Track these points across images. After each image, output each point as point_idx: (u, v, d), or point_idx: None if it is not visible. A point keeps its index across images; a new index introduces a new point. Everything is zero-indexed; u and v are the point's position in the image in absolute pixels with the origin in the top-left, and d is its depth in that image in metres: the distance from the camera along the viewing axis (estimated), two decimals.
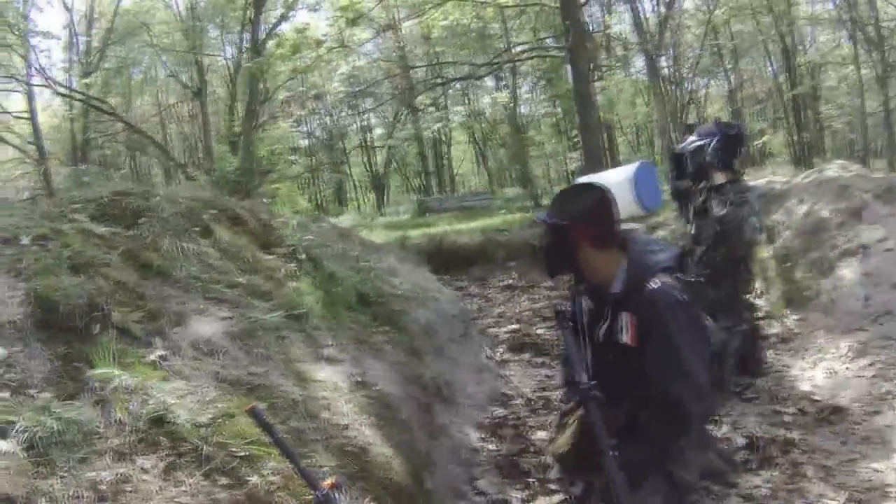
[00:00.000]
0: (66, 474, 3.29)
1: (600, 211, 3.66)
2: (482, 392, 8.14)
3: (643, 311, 3.48)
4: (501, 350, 10.14)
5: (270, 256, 6.89)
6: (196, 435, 3.75)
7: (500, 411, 7.82)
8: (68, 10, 32.22)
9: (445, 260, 15.24)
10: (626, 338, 3.52)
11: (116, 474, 3.36)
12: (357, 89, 32.68)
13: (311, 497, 2.84)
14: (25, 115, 32.38)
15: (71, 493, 3.17)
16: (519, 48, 30.05)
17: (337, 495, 2.73)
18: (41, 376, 3.94)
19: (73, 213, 5.85)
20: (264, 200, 13.35)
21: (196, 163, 34.13)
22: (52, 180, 27.11)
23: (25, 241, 5.09)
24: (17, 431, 3.40)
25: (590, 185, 4.05)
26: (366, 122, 43.06)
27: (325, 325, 5.95)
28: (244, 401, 4.07)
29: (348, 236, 9.72)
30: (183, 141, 41.67)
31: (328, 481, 2.77)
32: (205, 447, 3.67)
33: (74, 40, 32.91)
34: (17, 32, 27.90)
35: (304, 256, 7.11)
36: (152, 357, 4.40)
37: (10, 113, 33.10)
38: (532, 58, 29.49)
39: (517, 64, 31.43)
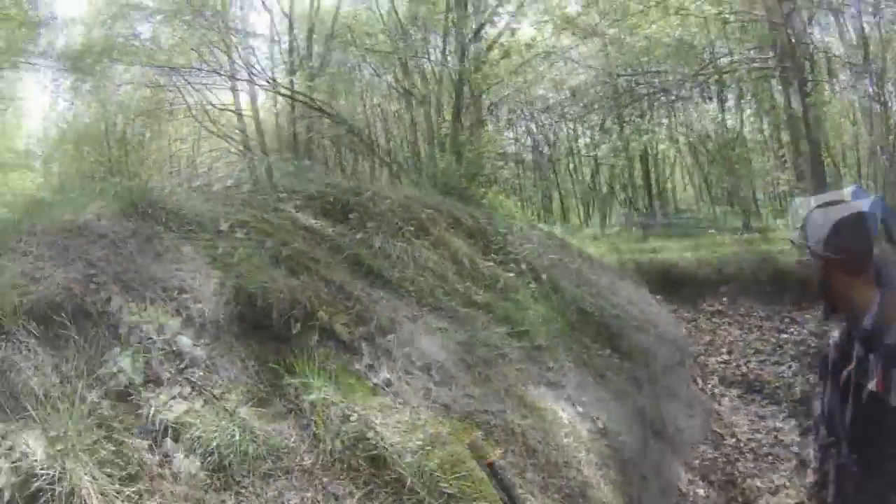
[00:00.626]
0: (244, 490, 2.85)
1: (854, 231, 3.16)
2: (693, 428, 7.33)
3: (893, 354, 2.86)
4: (712, 383, 9.21)
5: (489, 263, 6.28)
6: (401, 463, 3.16)
7: (710, 452, 6.97)
8: (268, 10, 33.38)
9: (659, 279, 14.32)
10: (872, 383, 2.94)
11: (303, 498, 2.89)
12: (564, 97, 32.14)
13: None
14: (231, 108, 33.74)
15: None
16: (725, 59, 28.65)
17: None
18: (230, 376, 3.47)
19: (279, 202, 5.41)
20: (483, 202, 12.92)
21: (403, 162, 34.76)
22: (256, 170, 28.05)
23: (224, 227, 4.67)
24: (194, 436, 2.97)
25: (842, 203, 3.36)
26: (573, 131, 42.42)
27: (546, 342, 5.26)
28: (459, 426, 3.50)
29: (566, 247, 9.00)
30: (388, 140, 42.58)
31: None
32: (410, 478, 3.09)
33: (276, 39, 34.13)
34: (217, 29, 29.09)
35: (524, 266, 6.44)
36: (359, 367, 3.86)
37: (214, 105, 34.50)
38: (741, 72, 28.05)
39: (725, 76, 29.96)
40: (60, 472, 2.60)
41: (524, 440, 3.79)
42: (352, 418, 3.31)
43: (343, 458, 3.14)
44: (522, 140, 40.73)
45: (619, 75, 31.67)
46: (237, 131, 34.31)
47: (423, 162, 25.84)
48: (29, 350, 3.30)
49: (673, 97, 33.92)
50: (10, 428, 2.92)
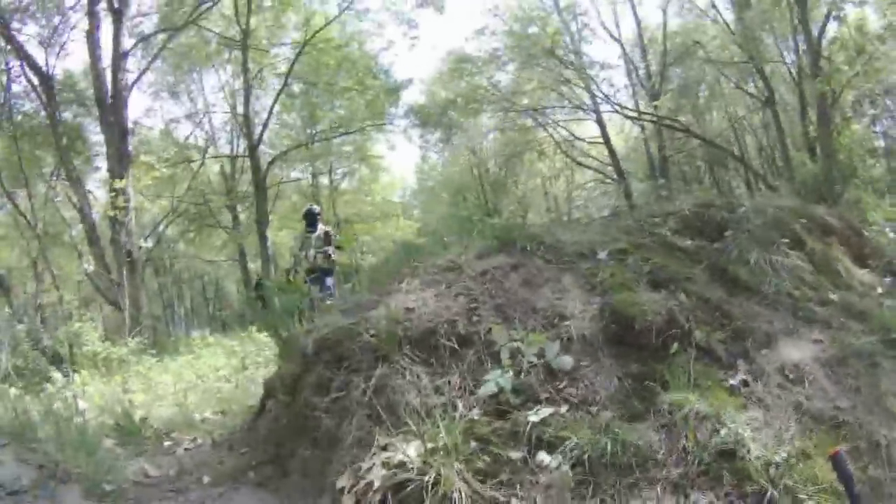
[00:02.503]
0: (608, 498, 3.04)
1: None
2: None
3: None
4: None
5: (864, 270, 6.02)
6: (764, 475, 3.19)
7: None
8: (616, 39, 33.70)
9: None
10: None
11: None
12: None
13: None
14: (599, 140, 34.50)
15: None
16: None
17: None
18: (606, 393, 3.72)
19: (653, 227, 5.56)
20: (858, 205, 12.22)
21: (775, 172, 33.40)
22: (632, 197, 28.47)
23: (602, 255, 4.94)
24: (567, 448, 3.21)
25: None
26: None
27: None
28: (825, 439, 3.46)
29: None
30: (759, 151, 40.99)
31: None
32: (771, 490, 3.13)
33: (631, 67, 34.34)
34: (571, 67, 29.91)
35: None
36: (732, 381, 3.92)
37: (584, 139, 35.46)
38: None
39: None
40: (435, 478, 2.96)
41: (888, 454, 3.62)
42: (721, 432, 3.38)
43: (709, 471, 3.23)
44: (892, 133, 37.31)
45: None
46: (597, 161, 35.20)
47: (795, 168, 24.73)
48: (410, 373, 3.79)
49: None
50: (391, 440, 3.37)
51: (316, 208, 12.49)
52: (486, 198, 43.76)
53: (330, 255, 11.31)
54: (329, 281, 11.09)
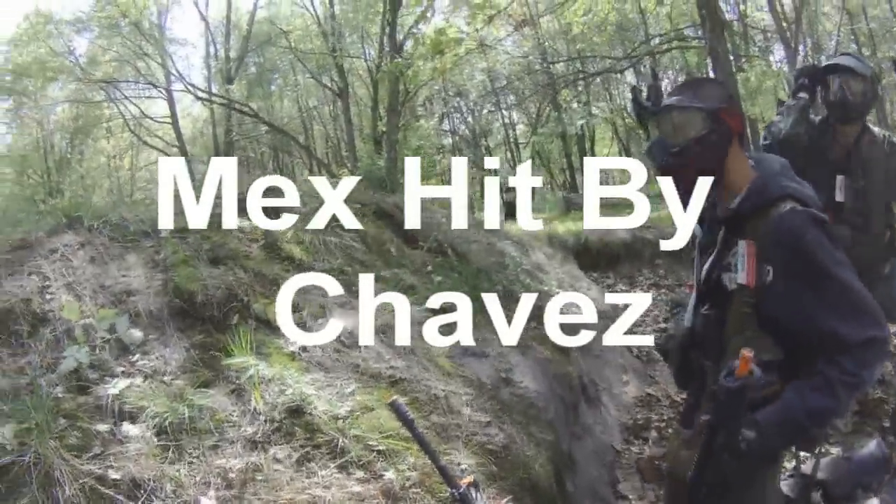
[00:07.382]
0: (194, 461, 3.22)
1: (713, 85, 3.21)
2: (627, 393, 7.76)
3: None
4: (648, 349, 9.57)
5: (416, 251, 6.76)
6: (333, 427, 3.60)
7: (644, 413, 7.40)
8: (204, 19, 33.44)
9: (592, 257, 14.45)
10: (741, 275, 2.70)
11: (247, 463, 3.27)
12: (498, 86, 32.46)
13: (446, 494, 2.78)
14: (167, 120, 33.78)
15: (198, 480, 3.10)
16: (657, 40, 29.24)
17: (474, 493, 2.57)
18: (176, 364, 3.90)
19: (216, 207, 5.82)
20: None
21: (339, 162, 34.66)
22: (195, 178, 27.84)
23: (164, 234, 5.09)
24: (147, 416, 3.36)
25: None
26: (508, 119, 42.61)
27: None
28: (384, 394, 3.93)
29: (495, 231, 9.38)
30: (326, 142, 42.26)
31: (466, 479, 2.61)
32: (341, 439, 3.52)
33: (212, 48, 34.26)
34: (152, 41, 29.15)
35: (450, 251, 6.88)
36: (291, 348, 4.29)
37: (153, 118, 34.50)
38: (671, 49, 28.57)
39: (657, 56, 30.48)
40: (34, 457, 2.96)
41: (447, 403, 4.22)
42: (287, 392, 3.74)
43: (281, 427, 3.55)
44: (460, 132, 41.07)
45: (551, 62, 32.11)
46: (163, 142, 34.34)
47: (360, 159, 26.09)
48: None
49: (607, 80, 34.50)
50: None
51: None
52: (49, 176, 40.78)
53: None
54: None
